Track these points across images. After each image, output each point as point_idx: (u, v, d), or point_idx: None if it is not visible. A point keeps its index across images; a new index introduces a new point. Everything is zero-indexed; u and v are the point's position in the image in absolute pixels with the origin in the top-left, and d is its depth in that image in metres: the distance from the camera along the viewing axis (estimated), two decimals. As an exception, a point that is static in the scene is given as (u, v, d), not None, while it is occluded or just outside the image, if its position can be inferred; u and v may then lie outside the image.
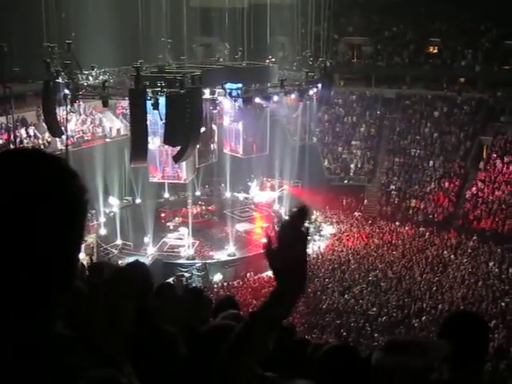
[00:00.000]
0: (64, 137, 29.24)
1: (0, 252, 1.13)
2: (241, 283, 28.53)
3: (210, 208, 36.11)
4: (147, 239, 30.15)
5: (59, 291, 1.22)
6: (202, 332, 2.91)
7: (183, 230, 31.00)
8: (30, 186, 1.15)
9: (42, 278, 1.17)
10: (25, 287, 1.15)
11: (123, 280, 3.29)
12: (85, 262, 22.80)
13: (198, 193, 37.84)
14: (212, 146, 32.65)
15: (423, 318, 23.28)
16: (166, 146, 28.36)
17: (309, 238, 1.73)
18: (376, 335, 21.78)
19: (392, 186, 39.31)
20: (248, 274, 29.28)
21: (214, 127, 32.61)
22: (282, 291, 1.72)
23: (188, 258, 29.50)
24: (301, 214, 1.71)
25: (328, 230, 35.57)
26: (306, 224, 1.71)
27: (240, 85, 28.07)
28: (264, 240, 1.76)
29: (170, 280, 26.00)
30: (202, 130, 28.75)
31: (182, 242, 30.55)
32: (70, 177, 1.23)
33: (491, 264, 29.63)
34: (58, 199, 1.18)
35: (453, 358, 3.12)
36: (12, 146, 29.75)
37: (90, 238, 32.73)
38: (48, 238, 1.16)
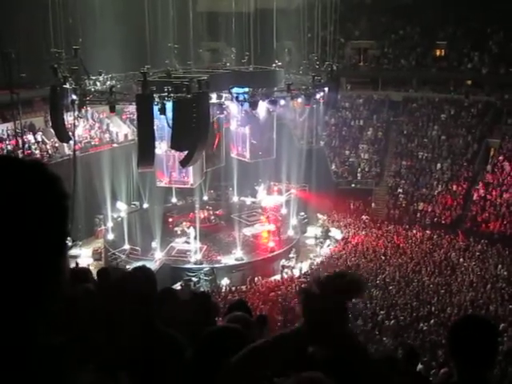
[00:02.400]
0: (71, 142, 29.28)
1: None
2: (248, 287, 28.51)
3: (217, 212, 36.11)
4: (155, 244, 30.19)
5: (45, 297, 1.20)
6: (204, 335, 2.90)
7: (191, 231, 30.93)
8: (7, 193, 1.13)
9: (22, 284, 1.15)
10: (6, 292, 1.13)
11: (129, 284, 3.29)
12: (92, 268, 22.94)
13: (205, 197, 37.85)
14: (219, 150, 32.64)
15: (431, 321, 23.15)
16: (173, 151, 28.38)
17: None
18: (385, 339, 21.68)
19: (399, 189, 39.23)
20: (256, 279, 29.27)
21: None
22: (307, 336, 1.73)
23: (196, 263, 29.52)
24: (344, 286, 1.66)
25: (336, 233, 35.53)
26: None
27: (247, 89, 28.07)
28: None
29: (178, 285, 26.09)
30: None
31: (190, 246, 30.56)
32: (50, 182, 1.21)
33: (499, 267, 29.53)
34: (36, 205, 1.16)
35: (462, 362, 3.12)
36: (20, 152, 29.93)
37: (98, 243, 32.90)
38: (26, 245, 1.14)
